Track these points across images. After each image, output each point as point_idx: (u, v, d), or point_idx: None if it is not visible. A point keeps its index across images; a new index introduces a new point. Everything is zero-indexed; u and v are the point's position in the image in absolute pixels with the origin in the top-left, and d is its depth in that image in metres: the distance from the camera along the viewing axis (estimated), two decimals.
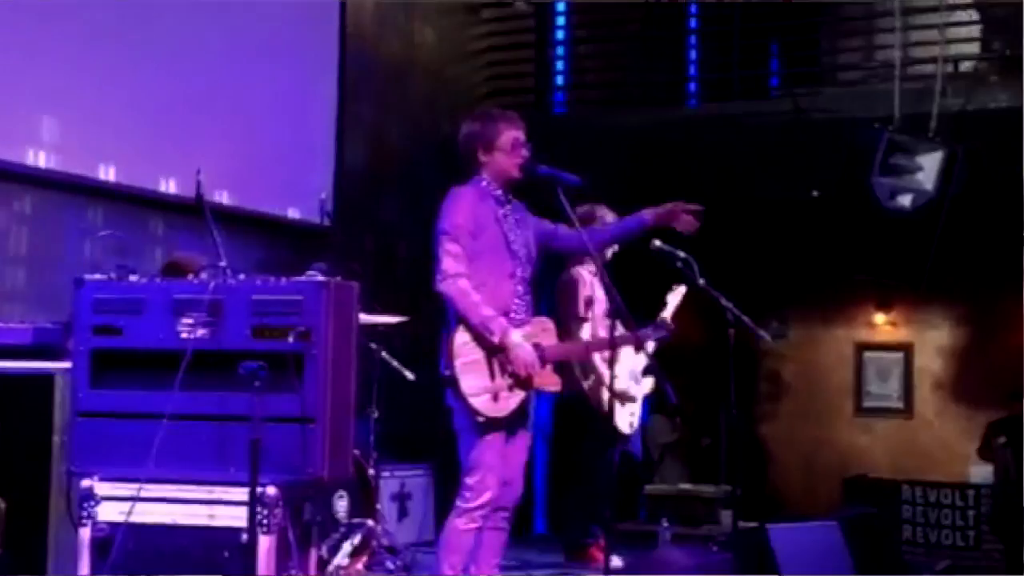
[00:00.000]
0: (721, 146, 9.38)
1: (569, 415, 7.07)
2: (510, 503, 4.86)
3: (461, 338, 4.67)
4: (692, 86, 11.18)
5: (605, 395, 6.49)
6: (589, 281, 6.98)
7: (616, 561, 6.77)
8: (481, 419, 4.66)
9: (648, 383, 7.08)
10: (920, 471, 10.09)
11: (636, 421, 7.04)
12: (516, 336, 4.70)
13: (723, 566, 5.30)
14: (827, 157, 8.65)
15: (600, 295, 6.88)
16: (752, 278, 9.98)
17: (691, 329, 6.92)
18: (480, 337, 4.67)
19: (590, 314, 6.92)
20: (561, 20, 11.06)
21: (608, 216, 6.69)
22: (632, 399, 7.00)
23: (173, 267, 5.89)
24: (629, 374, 6.91)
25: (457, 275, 4.69)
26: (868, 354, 11.78)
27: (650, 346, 6.42)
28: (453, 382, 4.66)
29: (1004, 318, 11.11)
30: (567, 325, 6.72)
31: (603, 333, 6.51)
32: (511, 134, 4.87)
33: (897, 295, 11.14)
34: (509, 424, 4.76)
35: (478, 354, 4.68)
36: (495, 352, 4.68)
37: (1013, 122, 8.55)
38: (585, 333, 6.84)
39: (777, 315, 11.37)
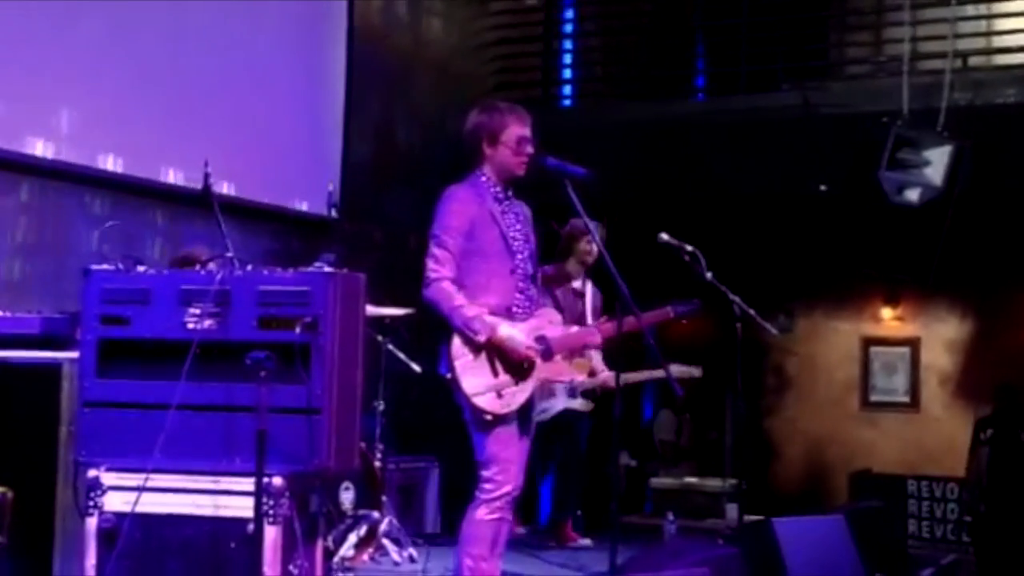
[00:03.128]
0: (728, 140, 9.38)
1: None
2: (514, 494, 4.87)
3: (458, 340, 4.66)
4: (700, 80, 11.18)
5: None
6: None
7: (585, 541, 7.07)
8: (489, 417, 4.65)
9: (581, 403, 6.93)
10: (926, 466, 10.10)
11: (543, 417, 6.74)
12: (504, 329, 4.66)
13: (729, 560, 5.29)
14: (835, 151, 8.64)
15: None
16: (759, 272, 9.97)
17: (698, 323, 6.91)
18: (468, 339, 4.66)
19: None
20: (569, 14, 11.06)
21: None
22: (547, 392, 6.78)
23: (186, 260, 5.89)
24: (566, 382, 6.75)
25: (439, 279, 4.66)
26: (875, 349, 11.77)
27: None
28: (456, 384, 4.65)
29: (1012, 313, 11.11)
30: None
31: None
32: (517, 131, 4.83)
33: (904, 290, 11.14)
34: (519, 417, 4.76)
35: (475, 354, 4.66)
36: (490, 349, 4.66)
37: (1022, 117, 8.54)
38: None
39: (784, 309, 11.37)
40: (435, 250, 4.70)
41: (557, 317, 5.02)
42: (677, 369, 6.85)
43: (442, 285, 4.65)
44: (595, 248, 6.94)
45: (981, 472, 9.32)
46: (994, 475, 9.01)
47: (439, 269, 4.68)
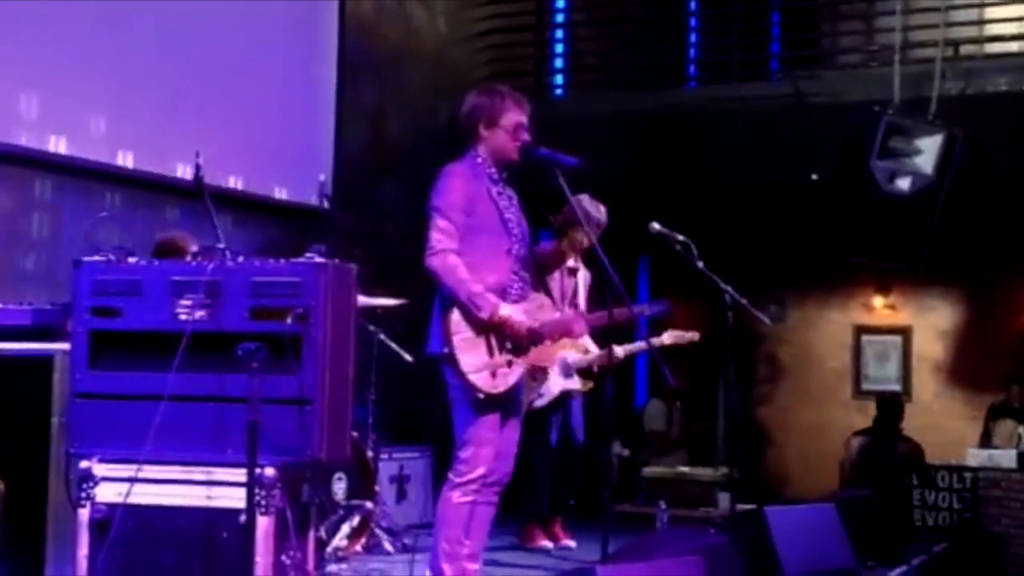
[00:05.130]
0: (720, 129, 9.38)
1: None
2: (502, 479, 4.86)
3: (458, 314, 4.65)
4: (692, 69, 11.18)
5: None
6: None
7: (546, 543, 6.96)
8: (481, 396, 4.65)
9: (578, 383, 6.87)
10: None
11: (542, 403, 6.75)
12: (505, 309, 4.67)
13: (721, 548, 5.30)
14: (826, 140, 8.65)
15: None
16: (750, 261, 9.99)
17: (690, 312, 6.93)
18: (470, 314, 4.66)
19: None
20: (561, 2, 11.06)
21: (588, 205, 6.65)
22: (541, 377, 6.72)
23: (165, 246, 5.89)
24: (559, 362, 6.79)
25: (445, 250, 4.64)
26: (866, 337, 11.79)
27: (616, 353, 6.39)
28: (452, 359, 4.64)
29: (1003, 301, 11.14)
30: None
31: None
32: (515, 116, 4.84)
33: (896, 278, 11.15)
34: (505, 401, 4.76)
35: (475, 330, 4.67)
36: (488, 328, 4.67)
37: (1012, 105, 8.56)
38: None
39: (775, 298, 11.38)
40: (439, 222, 4.69)
41: (547, 302, 5.04)
42: (673, 334, 6.85)
43: (448, 258, 4.64)
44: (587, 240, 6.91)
45: (851, 462, 9.48)
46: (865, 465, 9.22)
47: (444, 240, 4.66)
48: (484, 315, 4.62)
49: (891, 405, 9.92)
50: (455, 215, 4.69)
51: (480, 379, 4.64)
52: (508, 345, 4.71)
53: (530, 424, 6.77)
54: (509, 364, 4.72)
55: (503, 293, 4.73)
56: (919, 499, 8.41)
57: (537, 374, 6.61)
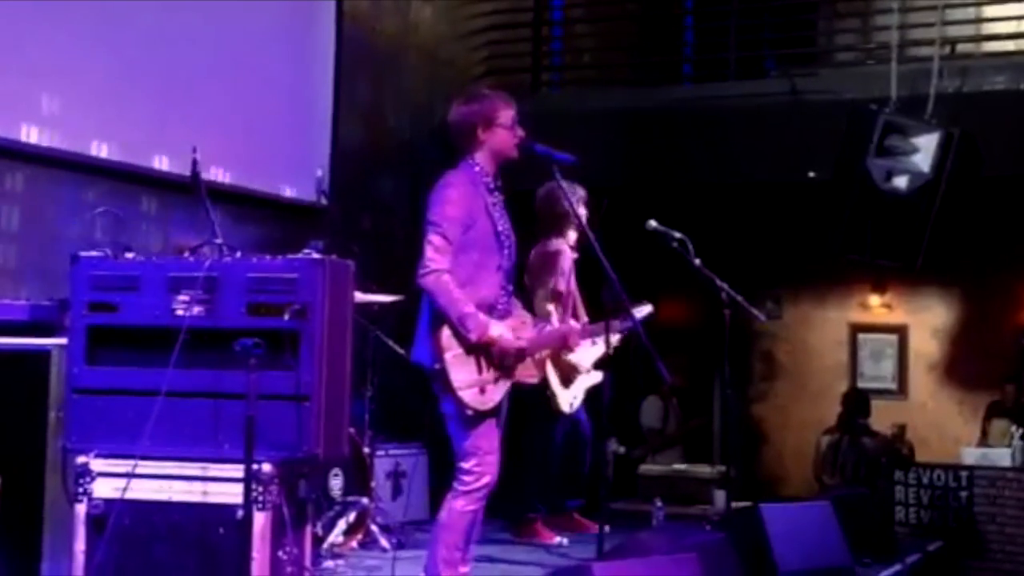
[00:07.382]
0: (716, 127, 9.38)
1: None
2: (491, 483, 4.87)
3: (449, 331, 4.65)
4: (688, 66, 11.18)
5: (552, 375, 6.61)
6: (569, 256, 6.93)
7: (560, 539, 6.88)
8: (470, 412, 4.66)
9: (596, 376, 6.90)
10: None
11: (577, 403, 6.84)
12: (495, 329, 4.67)
13: (716, 545, 5.31)
14: (823, 138, 8.65)
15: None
16: (747, 259, 9.99)
17: (685, 309, 6.93)
18: (459, 333, 4.66)
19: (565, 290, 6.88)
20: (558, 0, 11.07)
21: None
22: (574, 380, 6.85)
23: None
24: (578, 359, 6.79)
25: (439, 270, 4.62)
26: (862, 335, 11.80)
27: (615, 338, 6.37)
28: (443, 375, 4.63)
29: (999, 300, 11.14)
30: (537, 299, 6.72)
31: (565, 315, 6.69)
32: (509, 113, 4.83)
33: (892, 277, 11.16)
34: (495, 411, 4.77)
35: (465, 348, 4.66)
36: (478, 347, 4.67)
37: (1009, 104, 8.56)
38: (556, 311, 6.74)
39: (772, 296, 11.39)
40: (434, 238, 4.64)
41: (529, 319, 5.03)
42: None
43: (442, 277, 4.61)
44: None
45: (821, 460, 9.49)
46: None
47: (438, 259, 4.63)
48: (473, 337, 4.61)
49: (854, 400, 9.91)
50: (452, 231, 4.65)
51: (469, 396, 4.63)
52: (496, 362, 4.71)
53: (538, 421, 6.82)
54: (496, 380, 4.72)
55: (490, 309, 4.73)
56: (915, 498, 8.42)
57: (571, 375, 6.71)
